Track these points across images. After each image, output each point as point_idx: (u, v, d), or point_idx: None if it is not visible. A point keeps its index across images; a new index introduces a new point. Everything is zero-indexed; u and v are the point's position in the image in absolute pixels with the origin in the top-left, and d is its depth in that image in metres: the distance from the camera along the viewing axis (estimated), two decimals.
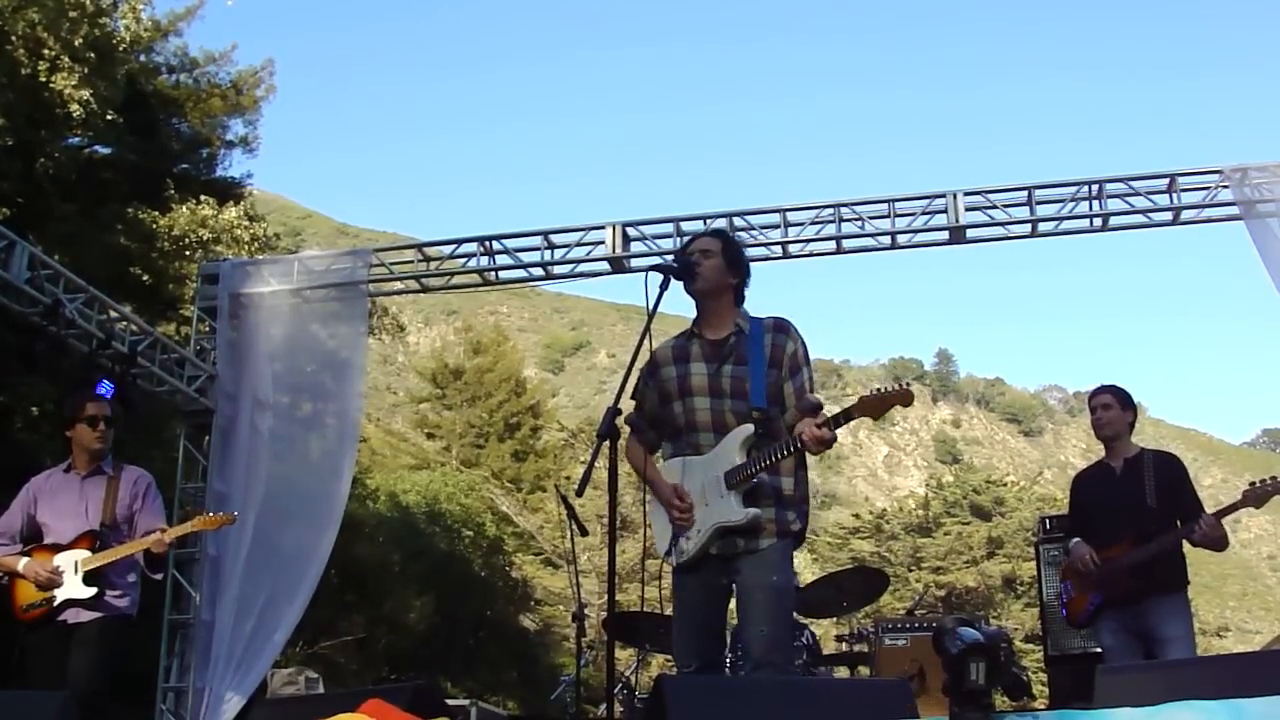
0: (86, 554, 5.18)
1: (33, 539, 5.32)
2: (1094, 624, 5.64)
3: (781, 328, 4.23)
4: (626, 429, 4.22)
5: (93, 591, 5.13)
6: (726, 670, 5.12)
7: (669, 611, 4.37)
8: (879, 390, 3.74)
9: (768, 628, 3.95)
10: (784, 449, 3.95)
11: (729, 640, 5.14)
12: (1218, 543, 5.30)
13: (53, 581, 5.12)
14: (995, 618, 28.92)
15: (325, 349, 8.81)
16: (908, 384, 3.76)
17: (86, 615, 5.15)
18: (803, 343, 4.22)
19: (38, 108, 12.82)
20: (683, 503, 4.09)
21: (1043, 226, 7.87)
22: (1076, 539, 5.67)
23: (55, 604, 5.13)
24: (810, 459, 4.28)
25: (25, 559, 5.20)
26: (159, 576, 5.75)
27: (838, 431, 3.89)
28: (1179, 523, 5.36)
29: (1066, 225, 7.90)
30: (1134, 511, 5.42)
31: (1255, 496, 5.20)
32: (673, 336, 4.41)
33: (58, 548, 5.23)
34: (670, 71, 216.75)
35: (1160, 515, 5.38)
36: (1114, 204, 7.73)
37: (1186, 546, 5.44)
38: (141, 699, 8.14)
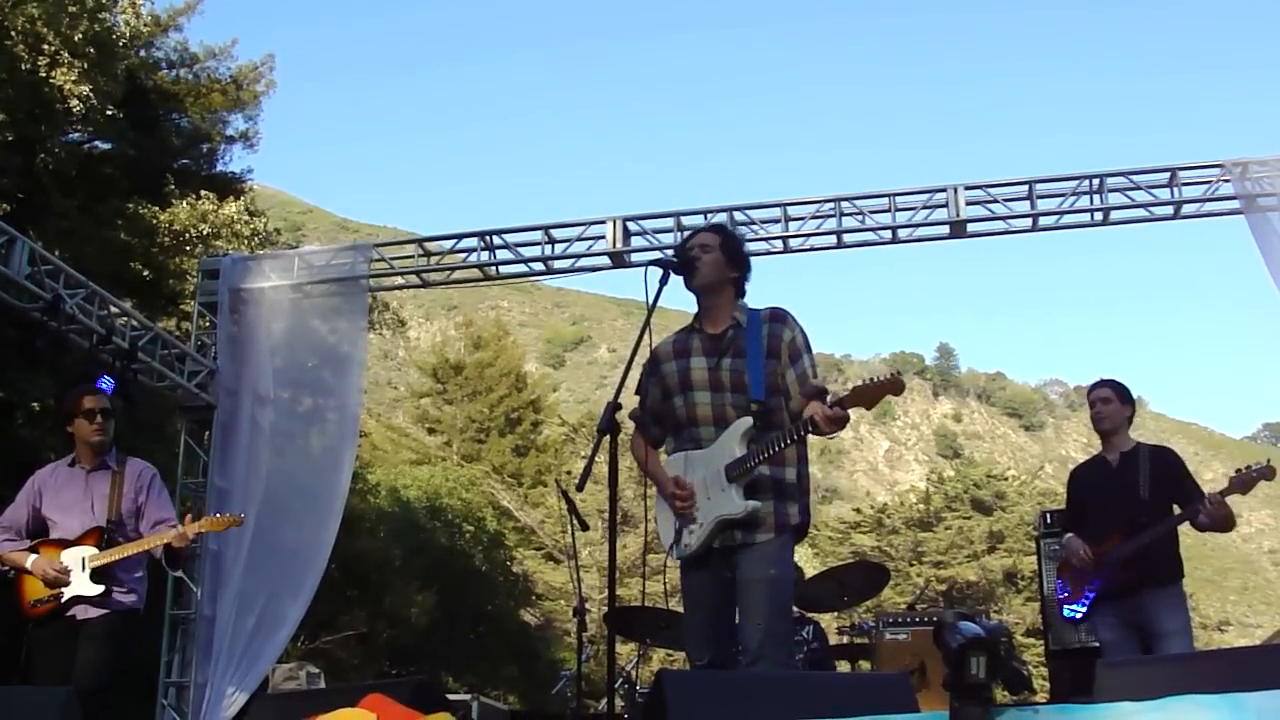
0: (93, 551, 5.16)
1: (38, 533, 5.31)
2: (1090, 618, 5.64)
3: (778, 317, 4.23)
4: (629, 423, 4.22)
5: (101, 589, 5.12)
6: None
7: (670, 606, 4.38)
8: (871, 380, 3.75)
9: (764, 622, 3.94)
10: (786, 438, 3.94)
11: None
12: (1224, 522, 5.27)
13: (60, 580, 5.11)
14: (996, 612, 28.95)
15: (326, 344, 8.82)
16: (898, 372, 3.78)
17: (94, 612, 5.14)
18: (801, 330, 4.21)
19: (38, 103, 12.81)
20: (683, 491, 4.11)
21: (1043, 220, 7.87)
22: (1070, 534, 5.68)
23: (63, 601, 5.13)
24: (811, 453, 4.29)
25: (33, 556, 5.18)
26: (178, 573, 5.72)
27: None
28: (1177, 510, 5.35)
29: (1067, 219, 7.90)
30: (1128, 504, 5.43)
31: (1241, 483, 5.21)
32: (674, 332, 4.41)
33: (65, 543, 5.21)
34: (671, 66, 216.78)
35: (1154, 507, 5.38)
36: (1115, 198, 7.72)
37: (1184, 539, 5.44)
38: (143, 694, 8.15)
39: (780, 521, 4.06)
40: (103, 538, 5.20)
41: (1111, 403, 5.66)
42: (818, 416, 3.82)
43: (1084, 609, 5.59)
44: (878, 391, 3.74)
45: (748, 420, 4.04)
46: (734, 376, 4.14)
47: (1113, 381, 5.74)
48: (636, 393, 4.34)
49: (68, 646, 5.08)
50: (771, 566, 4.01)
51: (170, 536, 5.18)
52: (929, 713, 2.85)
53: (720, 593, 4.09)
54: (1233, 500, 5.31)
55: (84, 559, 5.15)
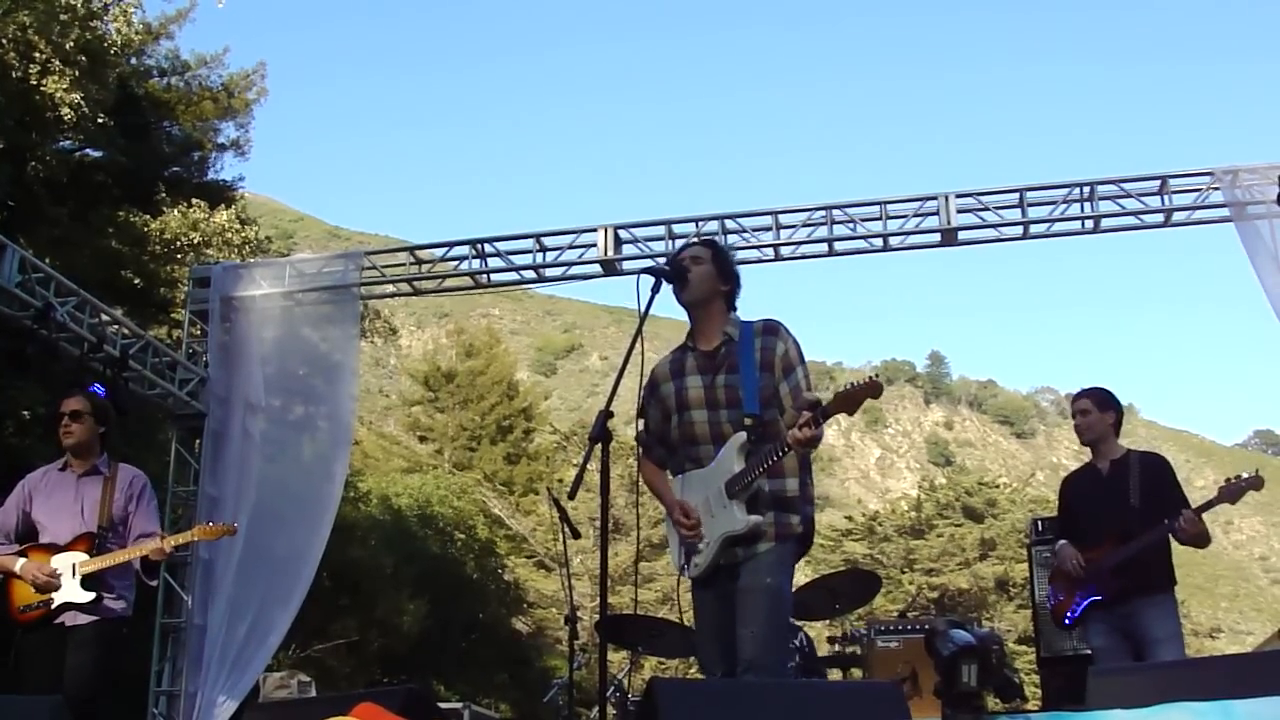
0: (84, 557, 5.13)
1: (27, 537, 5.28)
2: (1082, 625, 5.64)
3: (771, 329, 4.21)
4: (621, 431, 4.21)
5: (91, 596, 5.09)
6: None
7: (661, 614, 4.38)
8: (850, 385, 3.75)
9: (757, 629, 3.93)
10: (778, 450, 3.94)
11: None
12: (1198, 539, 5.30)
13: (50, 584, 5.08)
14: (987, 620, 28.92)
15: (317, 352, 8.82)
16: (876, 376, 3.77)
17: (84, 618, 5.11)
18: (794, 342, 4.20)
19: (29, 111, 12.80)
20: (689, 519, 4.09)
21: (1034, 228, 7.90)
22: (1063, 541, 5.68)
23: (53, 606, 5.10)
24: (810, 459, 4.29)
25: (22, 560, 5.15)
26: (155, 583, 5.72)
27: (829, 433, 3.88)
28: (1164, 521, 5.37)
29: (1058, 227, 7.93)
30: (1118, 512, 5.43)
31: (1230, 493, 5.23)
32: (670, 351, 4.40)
33: (55, 548, 5.18)
34: (662, 73, 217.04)
35: (1144, 515, 5.38)
36: (1105, 205, 7.77)
37: (1177, 547, 5.45)
38: (133, 702, 8.12)
39: (781, 531, 4.05)
40: (94, 544, 5.17)
41: (1090, 413, 5.65)
42: (789, 439, 3.81)
43: (1076, 615, 5.59)
44: (857, 396, 3.74)
45: (742, 435, 4.02)
46: (729, 392, 4.13)
47: (1089, 391, 5.72)
48: (639, 416, 4.34)
49: (57, 653, 5.05)
50: (768, 575, 3.99)
51: (149, 549, 5.15)
52: None
53: (726, 607, 4.08)
54: (1223, 507, 5.33)
55: (74, 565, 5.12)
